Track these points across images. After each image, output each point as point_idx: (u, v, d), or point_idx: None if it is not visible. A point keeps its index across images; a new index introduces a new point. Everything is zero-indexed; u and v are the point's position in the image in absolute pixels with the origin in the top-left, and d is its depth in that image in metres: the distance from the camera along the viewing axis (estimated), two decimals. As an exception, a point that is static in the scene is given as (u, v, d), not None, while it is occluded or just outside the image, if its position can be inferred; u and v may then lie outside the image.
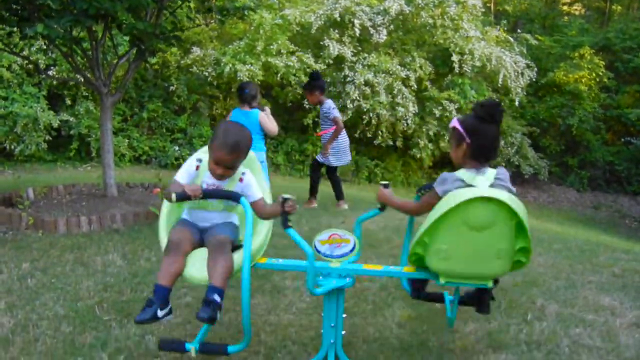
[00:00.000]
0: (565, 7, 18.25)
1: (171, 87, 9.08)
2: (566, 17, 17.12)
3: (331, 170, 5.38)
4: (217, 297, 1.82)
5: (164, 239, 2.02)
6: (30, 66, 7.53)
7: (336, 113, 5.15)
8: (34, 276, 3.03)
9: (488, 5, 15.07)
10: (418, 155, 9.92)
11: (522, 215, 1.78)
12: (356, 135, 9.72)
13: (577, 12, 18.32)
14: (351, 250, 2.07)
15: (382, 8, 9.61)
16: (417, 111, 9.48)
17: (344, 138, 5.31)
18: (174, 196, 1.85)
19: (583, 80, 11.99)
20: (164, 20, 4.93)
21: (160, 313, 1.83)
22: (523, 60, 10.64)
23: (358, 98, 9.12)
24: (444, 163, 10.12)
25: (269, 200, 2.18)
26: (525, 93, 10.97)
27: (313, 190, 5.43)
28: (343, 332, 2.07)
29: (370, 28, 9.49)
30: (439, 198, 1.86)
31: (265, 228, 2.15)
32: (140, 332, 2.37)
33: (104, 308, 2.63)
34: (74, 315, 2.54)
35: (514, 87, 10.20)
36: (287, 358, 2.20)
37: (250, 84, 4.96)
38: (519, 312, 2.70)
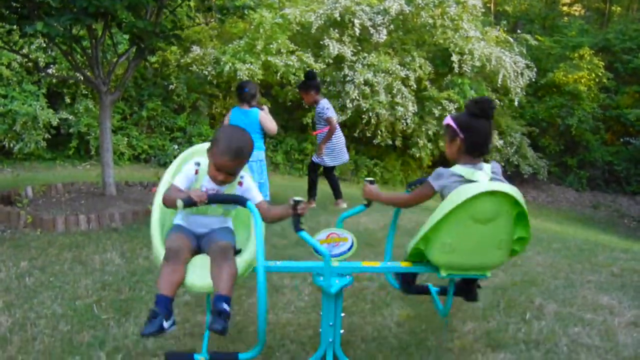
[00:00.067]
0: (565, 8, 18.26)
1: (171, 86, 9.08)
2: (566, 18, 17.12)
3: (328, 170, 5.38)
4: (226, 307, 1.77)
5: (159, 248, 1.94)
6: (30, 64, 7.52)
7: (330, 113, 5.12)
8: (32, 275, 3.03)
9: (488, 5, 15.07)
10: (417, 155, 9.92)
11: (525, 205, 1.85)
12: (355, 134, 9.72)
13: (576, 13, 18.33)
14: (349, 249, 2.07)
15: (382, 8, 9.61)
16: (416, 111, 9.49)
17: (339, 138, 5.29)
18: (180, 203, 1.77)
19: (582, 81, 12.01)
20: (163, 19, 4.93)
21: (165, 324, 1.76)
22: (523, 60, 10.65)
23: (357, 97, 9.12)
24: (443, 162, 10.09)
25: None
26: (524, 93, 10.97)
27: (312, 191, 5.43)
28: (341, 331, 2.06)
29: (370, 28, 9.49)
30: (434, 192, 1.94)
31: (261, 231, 2.11)
32: (139, 331, 2.36)
33: (102, 307, 2.62)
34: (72, 314, 2.54)
35: (514, 87, 10.20)
36: (285, 357, 2.20)
37: (249, 83, 4.96)
38: (517, 311, 2.70)
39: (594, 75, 12.14)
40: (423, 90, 9.84)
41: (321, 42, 9.49)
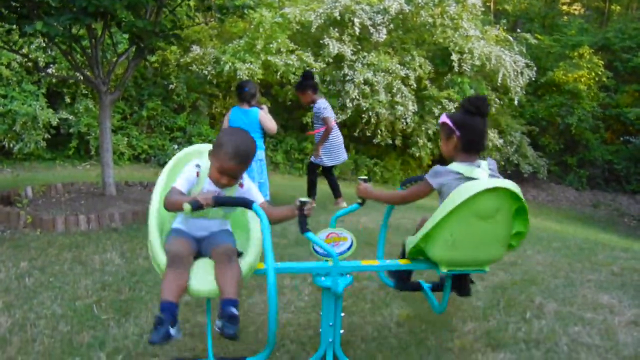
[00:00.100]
0: (564, 7, 18.25)
1: (171, 86, 9.07)
2: (565, 17, 17.11)
3: (327, 170, 5.38)
4: (235, 311, 1.75)
5: (160, 254, 1.87)
6: (30, 64, 7.51)
7: (327, 113, 5.10)
8: (32, 275, 3.03)
9: (488, 4, 15.06)
10: (417, 154, 9.92)
11: (524, 200, 1.89)
12: (355, 134, 9.72)
13: (576, 12, 18.32)
14: (348, 248, 2.08)
15: (382, 7, 9.61)
16: (416, 110, 9.48)
17: (336, 137, 5.28)
18: (187, 206, 1.71)
19: (582, 80, 12.01)
20: (163, 19, 4.92)
21: (172, 331, 1.73)
22: (522, 59, 10.65)
23: (357, 97, 9.12)
24: (443, 161, 10.10)
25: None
26: (524, 92, 10.97)
27: (311, 191, 5.44)
28: (341, 331, 2.06)
29: (370, 27, 9.48)
30: (431, 190, 1.99)
31: (259, 234, 2.08)
32: (139, 332, 2.37)
33: (102, 307, 2.62)
34: (72, 314, 2.53)
35: (514, 86, 10.20)
36: (285, 357, 2.20)
37: (249, 82, 4.96)
38: (517, 310, 2.70)
39: (593, 74, 12.14)
40: (423, 89, 9.84)
41: (321, 42, 9.49)
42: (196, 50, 9.20)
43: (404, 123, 9.42)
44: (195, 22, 6.71)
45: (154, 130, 9.09)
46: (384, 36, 9.58)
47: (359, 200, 2.22)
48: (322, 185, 5.78)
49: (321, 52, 9.46)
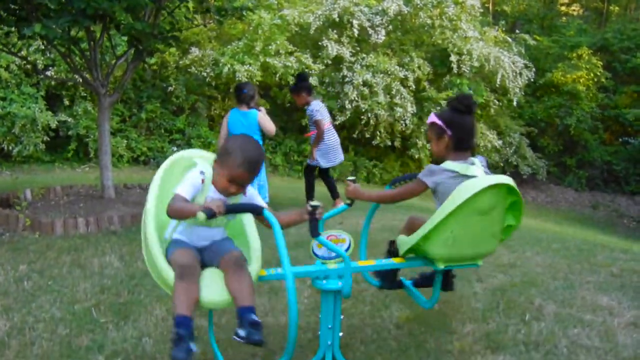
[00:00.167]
0: (563, 8, 18.29)
1: (169, 88, 9.07)
2: (564, 18, 17.16)
3: (323, 172, 5.38)
4: (256, 317, 1.73)
5: (165, 268, 1.79)
6: (29, 66, 7.51)
7: (319, 116, 5.10)
8: (31, 278, 3.02)
9: (486, 5, 15.09)
10: (416, 156, 9.93)
11: (520, 195, 1.97)
12: (354, 135, 9.72)
13: (575, 13, 18.36)
14: (347, 250, 2.08)
15: (380, 8, 9.62)
16: (415, 111, 9.49)
17: (331, 139, 5.27)
18: (202, 215, 1.64)
19: (581, 81, 12.03)
20: (162, 21, 4.93)
21: (193, 346, 1.70)
22: (521, 60, 10.66)
23: (356, 98, 9.12)
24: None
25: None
26: (523, 93, 10.99)
27: (309, 194, 5.45)
28: (341, 334, 2.06)
29: (368, 28, 9.50)
30: (425, 189, 2.03)
31: (257, 240, 2.08)
32: (138, 335, 2.36)
33: (100, 310, 2.61)
34: (71, 317, 2.53)
35: (512, 87, 10.22)
36: (284, 360, 2.19)
37: (248, 84, 4.96)
38: (517, 312, 2.70)
39: (592, 75, 12.16)
40: (422, 90, 9.85)
41: (320, 43, 9.50)
42: (195, 52, 9.21)
43: (403, 124, 9.43)
44: (193, 24, 6.72)
45: (153, 132, 9.09)
46: (383, 37, 9.59)
47: (348, 201, 2.24)
48: (320, 187, 5.78)
49: (320, 53, 9.47)
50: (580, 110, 11.83)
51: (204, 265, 1.90)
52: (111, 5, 3.91)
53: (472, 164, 2.03)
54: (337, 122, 9.16)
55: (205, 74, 9.06)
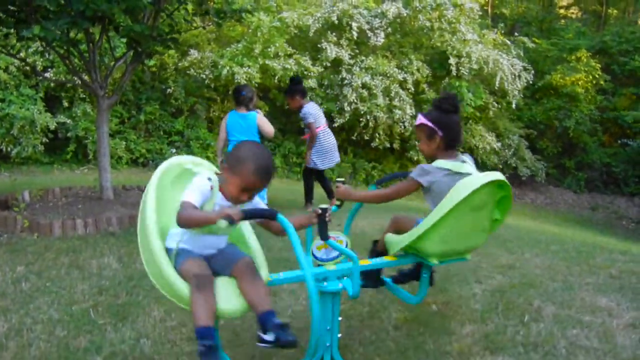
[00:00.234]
0: (562, 11, 18.35)
1: (168, 90, 9.08)
2: (563, 21, 17.20)
3: (319, 173, 5.40)
4: (279, 319, 1.72)
5: (177, 281, 1.75)
6: (28, 68, 7.52)
7: (311, 119, 5.12)
8: (29, 280, 3.01)
9: (485, 8, 15.13)
10: (415, 158, 9.93)
11: (511, 190, 2.07)
12: (353, 137, 9.73)
13: (573, 16, 18.42)
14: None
15: (379, 11, 9.65)
16: (414, 114, 9.49)
17: (327, 141, 5.29)
18: (224, 222, 1.60)
19: (580, 83, 12.05)
20: (161, 23, 4.93)
21: (225, 355, 1.70)
22: (520, 63, 10.69)
23: (355, 101, 9.13)
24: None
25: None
26: (522, 95, 11.01)
27: (308, 196, 5.46)
28: (339, 335, 2.06)
29: (367, 31, 9.51)
30: (418, 187, 2.11)
31: (258, 246, 2.08)
32: (136, 336, 2.36)
33: (98, 312, 2.61)
34: (69, 319, 2.52)
35: (511, 90, 10.23)
36: (283, 361, 2.19)
37: (246, 86, 4.98)
38: (515, 313, 2.69)
39: (591, 77, 12.19)
40: (421, 93, 9.86)
41: (319, 46, 9.51)
42: (194, 54, 9.22)
43: (402, 127, 9.43)
44: (192, 26, 6.73)
45: (152, 134, 9.09)
46: (382, 40, 9.61)
47: (337, 203, 2.25)
48: (319, 189, 5.79)
49: (319, 56, 9.49)
50: (579, 113, 11.86)
51: (213, 274, 1.86)
52: (110, 7, 3.91)
53: (464, 162, 2.10)
54: (336, 124, 9.17)
55: (204, 76, 9.07)
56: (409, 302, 2.44)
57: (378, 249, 2.38)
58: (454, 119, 2.14)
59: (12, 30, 4.45)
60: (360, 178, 9.99)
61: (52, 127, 7.67)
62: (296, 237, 1.76)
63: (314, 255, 2.06)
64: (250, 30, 9.24)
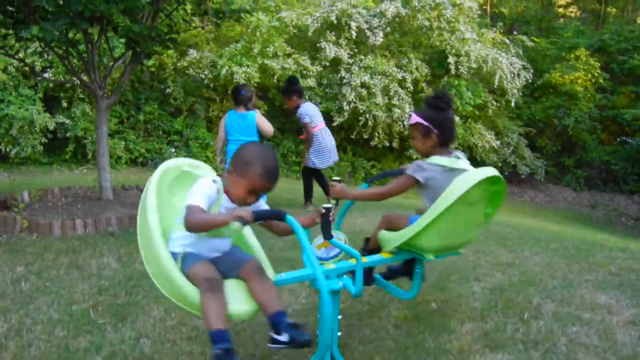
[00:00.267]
0: (560, 10, 18.35)
1: (167, 90, 9.07)
2: (562, 19, 17.21)
3: (317, 173, 5.42)
4: (290, 319, 1.72)
5: (186, 285, 1.71)
6: (26, 68, 7.51)
7: (307, 119, 5.14)
8: (28, 280, 3.01)
9: (484, 7, 15.13)
10: (414, 156, 9.93)
11: (505, 184, 2.13)
12: (353, 136, 9.73)
13: (572, 15, 18.42)
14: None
15: (378, 10, 9.65)
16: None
17: (324, 140, 5.30)
18: (238, 225, 1.60)
19: (579, 81, 12.06)
20: (159, 23, 4.93)
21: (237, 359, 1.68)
22: (519, 61, 10.69)
23: (354, 100, 9.13)
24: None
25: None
26: (521, 94, 11.02)
27: (308, 195, 5.47)
28: (339, 334, 2.06)
29: (366, 30, 9.51)
30: (414, 184, 2.15)
31: (259, 247, 2.08)
32: (135, 336, 2.35)
33: (98, 312, 2.61)
34: (69, 319, 2.52)
35: (510, 88, 10.24)
36: (283, 360, 2.19)
37: (245, 86, 4.98)
38: (515, 311, 2.69)
39: (590, 75, 12.21)
40: (420, 92, 9.86)
41: (318, 45, 9.51)
42: (193, 54, 9.22)
43: (401, 125, 9.44)
44: (191, 26, 6.72)
45: (151, 134, 9.09)
46: (381, 39, 9.61)
47: (333, 201, 2.26)
48: (317, 188, 5.79)
49: (318, 55, 9.48)
50: (578, 111, 11.87)
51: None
52: (109, 7, 3.90)
53: (458, 157, 2.14)
54: (335, 124, 9.17)
55: (203, 76, 9.07)
56: (402, 297, 2.47)
57: (370, 247, 2.40)
58: (448, 116, 2.18)
59: (10, 31, 4.44)
60: (360, 177, 9.99)
61: (51, 127, 7.67)
62: (305, 237, 1.76)
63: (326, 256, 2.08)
64: (249, 30, 9.24)
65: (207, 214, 1.74)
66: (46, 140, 7.78)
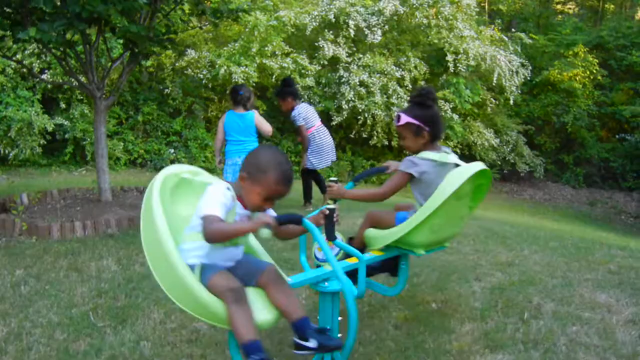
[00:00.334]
0: (559, 6, 18.33)
1: (166, 90, 9.06)
2: (560, 16, 17.20)
3: (315, 172, 5.42)
4: (316, 325, 1.71)
5: (210, 300, 1.64)
6: (24, 70, 7.49)
7: (301, 121, 5.13)
8: (28, 283, 3.01)
9: (482, 4, 15.11)
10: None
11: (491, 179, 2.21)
12: (351, 135, 9.72)
13: (570, 11, 18.40)
14: (340, 251, 2.10)
15: (376, 9, 9.62)
16: (412, 111, 9.48)
17: (322, 140, 5.29)
18: (267, 231, 1.59)
19: (577, 78, 12.05)
20: (157, 23, 4.92)
21: None
22: (517, 59, 10.68)
23: (353, 99, 9.12)
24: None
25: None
26: (520, 91, 11.01)
27: (307, 196, 5.47)
28: (339, 335, 2.06)
29: (364, 29, 9.49)
30: (409, 180, 2.17)
31: (264, 250, 2.07)
32: (135, 339, 2.35)
33: (98, 314, 2.61)
34: (68, 322, 2.52)
35: (509, 86, 10.23)
36: (283, 362, 2.19)
37: (243, 86, 4.97)
38: (515, 311, 2.70)
39: (588, 72, 12.19)
40: (419, 90, 9.85)
41: (316, 44, 9.49)
42: (191, 54, 9.19)
43: (400, 124, 9.42)
44: (189, 26, 6.71)
45: (150, 134, 9.08)
46: (379, 38, 9.59)
47: (330, 202, 2.25)
48: (316, 187, 5.80)
49: (316, 54, 9.47)
50: (576, 108, 11.86)
51: None
52: (106, 8, 3.89)
53: (447, 153, 2.18)
54: (334, 123, 9.16)
55: (201, 76, 9.05)
56: (387, 294, 2.49)
57: (355, 246, 2.38)
58: (435, 112, 2.23)
59: (8, 33, 4.43)
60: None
61: (50, 129, 7.65)
62: (323, 239, 1.80)
63: (315, 257, 2.08)
64: (247, 30, 9.21)
65: (228, 224, 1.69)
66: (45, 142, 7.76)
